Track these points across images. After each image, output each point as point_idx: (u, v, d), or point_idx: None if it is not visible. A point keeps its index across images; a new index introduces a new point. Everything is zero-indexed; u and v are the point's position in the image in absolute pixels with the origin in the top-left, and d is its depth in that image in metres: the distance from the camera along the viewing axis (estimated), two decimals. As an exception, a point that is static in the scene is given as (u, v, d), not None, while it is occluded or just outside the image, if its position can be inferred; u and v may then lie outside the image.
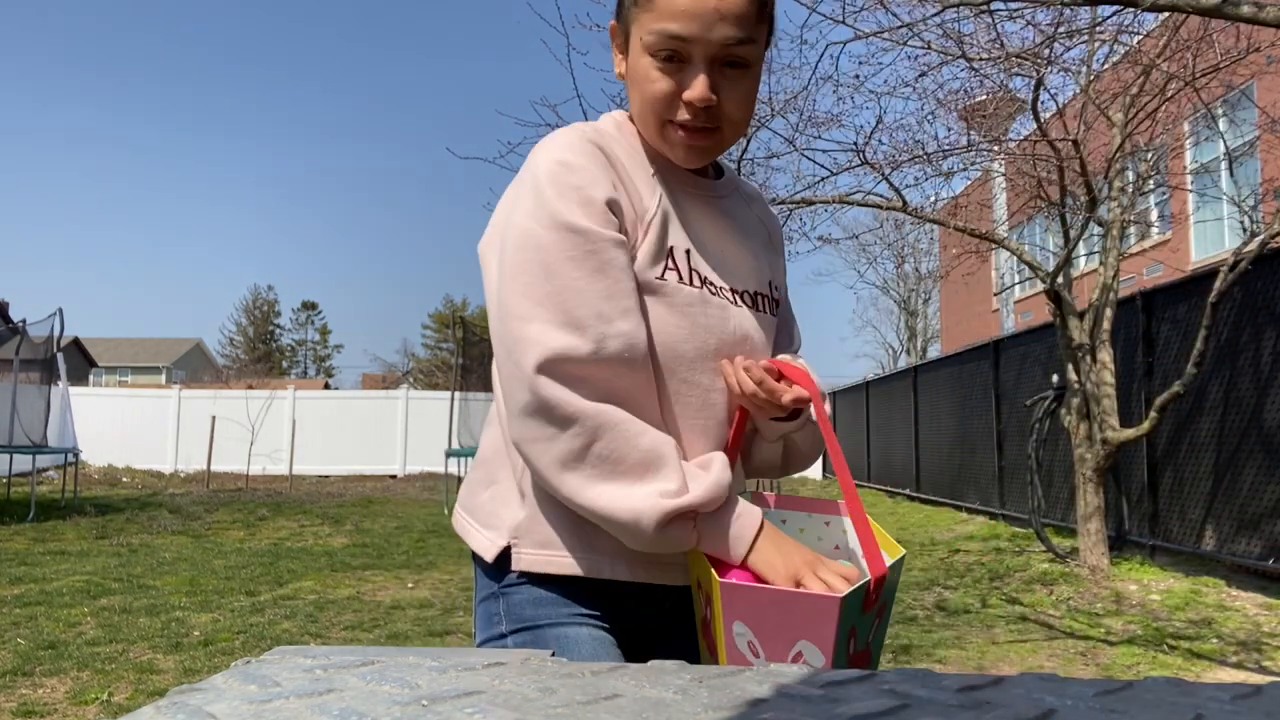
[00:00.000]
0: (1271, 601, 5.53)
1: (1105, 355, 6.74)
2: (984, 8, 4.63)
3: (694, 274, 1.10)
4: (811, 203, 6.91)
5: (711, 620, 1.02)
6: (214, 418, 17.60)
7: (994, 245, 8.30)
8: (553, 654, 0.64)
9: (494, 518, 1.14)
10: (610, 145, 1.11)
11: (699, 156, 1.11)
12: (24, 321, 12.63)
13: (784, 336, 1.28)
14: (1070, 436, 6.97)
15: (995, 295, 20.79)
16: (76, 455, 12.99)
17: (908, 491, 13.99)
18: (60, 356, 13.40)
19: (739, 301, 1.15)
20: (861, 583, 0.98)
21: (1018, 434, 9.84)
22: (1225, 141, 8.58)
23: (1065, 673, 4.31)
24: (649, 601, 1.14)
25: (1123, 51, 6.90)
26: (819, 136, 7.14)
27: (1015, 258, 7.55)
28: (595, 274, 1.01)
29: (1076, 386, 6.81)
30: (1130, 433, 6.46)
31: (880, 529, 1.10)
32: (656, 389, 1.07)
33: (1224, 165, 11.20)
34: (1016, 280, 17.87)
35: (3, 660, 4.39)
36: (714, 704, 0.51)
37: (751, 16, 1.04)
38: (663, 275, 1.08)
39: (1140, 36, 6.67)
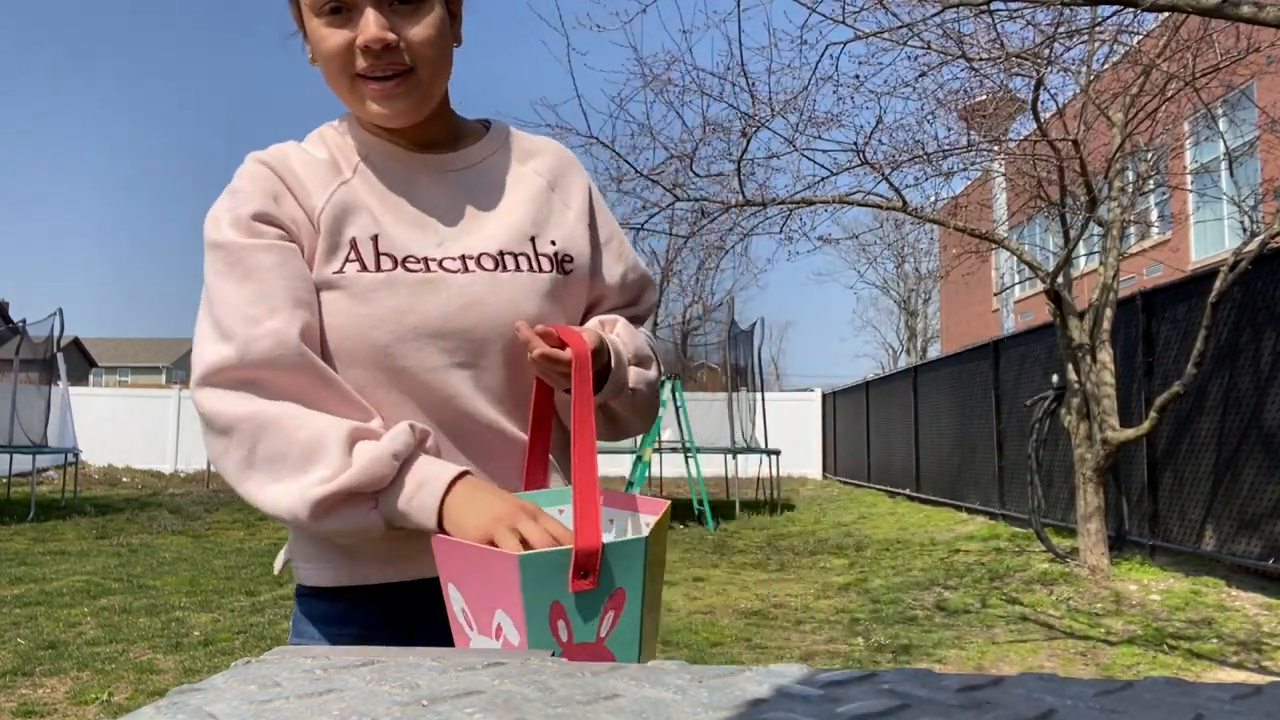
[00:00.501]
0: (1271, 601, 5.53)
1: (1105, 355, 6.74)
2: (984, 8, 4.63)
3: (382, 258, 1.06)
4: (811, 203, 6.91)
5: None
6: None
7: (994, 245, 8.30)
8: (553, 654, 0.64)
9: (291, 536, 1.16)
10: (284, 159, 1.10)
11: (402, 108, 1.06)
12: (24, 321, 12.63)
13: (609, 293, 1.22)
14: (1070, 436, 6.97)
15: (995, 295, 20.79)
16: (76, 455, 12.99)
17: (908, 492, 13.99)
18: (60, 356, 13.40)
19: (470, 268, 1.08)
20: (555, 549, 0.88)
21: (1018, 434, 9.84)
22: (1225, 141, 8.58)
23: (1065, 673, 4.31)
24: (419, 598, 1.09)
25: (1123, 51, 6.90)
26: (819, 136, 7.14)
27: (1015, 258, 7.56)
28: (240, 282, 1.02)
29: (1076, 386, 6.81)
30: (1130, 433, 6.46)
31: (664, 519, 0.99)
32: (365, 379, 1.06)
33: (1224, 165, 11.20)
34: (1016, 280, 17.88)
35: (3, 660, 4.39)
36: (714, 704, 0.51)
37: None
38: (341, 268, 1.06)
39: (1140, 36, 6.67)
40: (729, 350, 14.08)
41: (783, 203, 6.94)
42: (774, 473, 13.59)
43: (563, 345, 1.01)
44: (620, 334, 1.14)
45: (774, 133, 6.80)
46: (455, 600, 0.92)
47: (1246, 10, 3.22)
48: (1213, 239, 13.48)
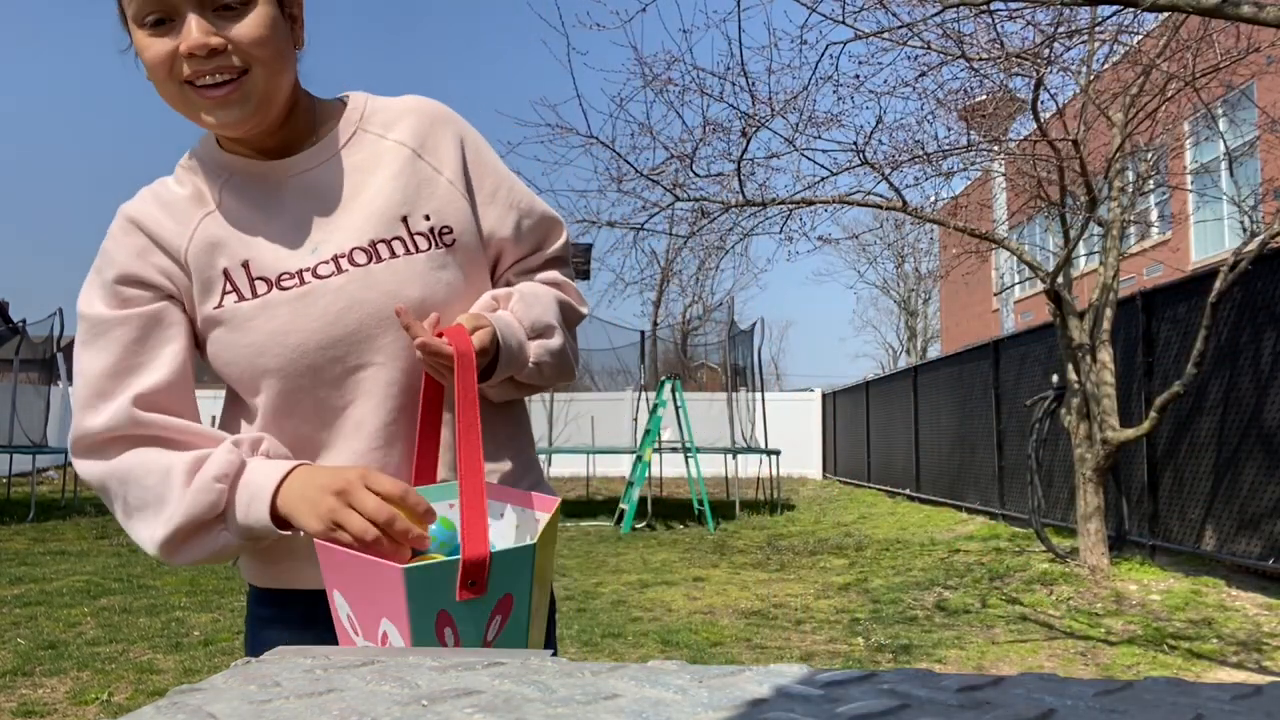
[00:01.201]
0: (1271, 601, 5.53)
1: (1105, 355, 6.74)
2: (984, 8, 4.63)
3: (257, 283, 1.05)
4: (811, 203, 6.91)
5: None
6: (214, 417, 17.56)
7: (994, 245, 8.30)
8: (553, 654, 0.64)
9: None
10: (145, 207, 1.08)
11: (240, 115, 1.01)
12: (24, 321, 12.63)
13: (506, 246, 1.18)
14: (1070, 436, 6.97)
15: (995, 295, 20.79)
16: (76, 455, 12.98)
17: (908, 491, 14.00)
18: (60, 356, 13.40)
19: (343, 268, 1.05)
20: (441, 560, 0.88)
21: (1018, 434, 9.84)
22: (1225, 141, 8.58)
23: (1065, 673, 4.31)
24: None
25: (1123, 51, 6.90)
26: (819, 136, 7.14)
27: (1015, 258, 7.56)
28: (97, 354, 1.04)
29: (1076, 386, 6.81)
30: (1130, 433, 6.46)
31: (554, 518, 1.00)
32: (269, 405, 1.06)
33: (1224, 165, 11.20)
34: (1016, 280, 17.87)
35: (3, 660, 4.39)
36: (714, 704, 0.51)
37: None
38: (220, 303, 1.06)
39: (1140, 36, 6.67)
40: (729, 350, 14.08)
41: (783, 203, 6.94)
42: (774, 473, 13.60)
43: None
44: (515, 308, 1.10)
45: (774, 133, 6.80)
46: (341, 607, 0.92)
47: (1246, 10, 3.22)
48: (1213, 239, 13.48)
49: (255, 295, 1.05)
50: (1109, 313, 6.79)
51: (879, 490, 15.78)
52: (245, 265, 1.05)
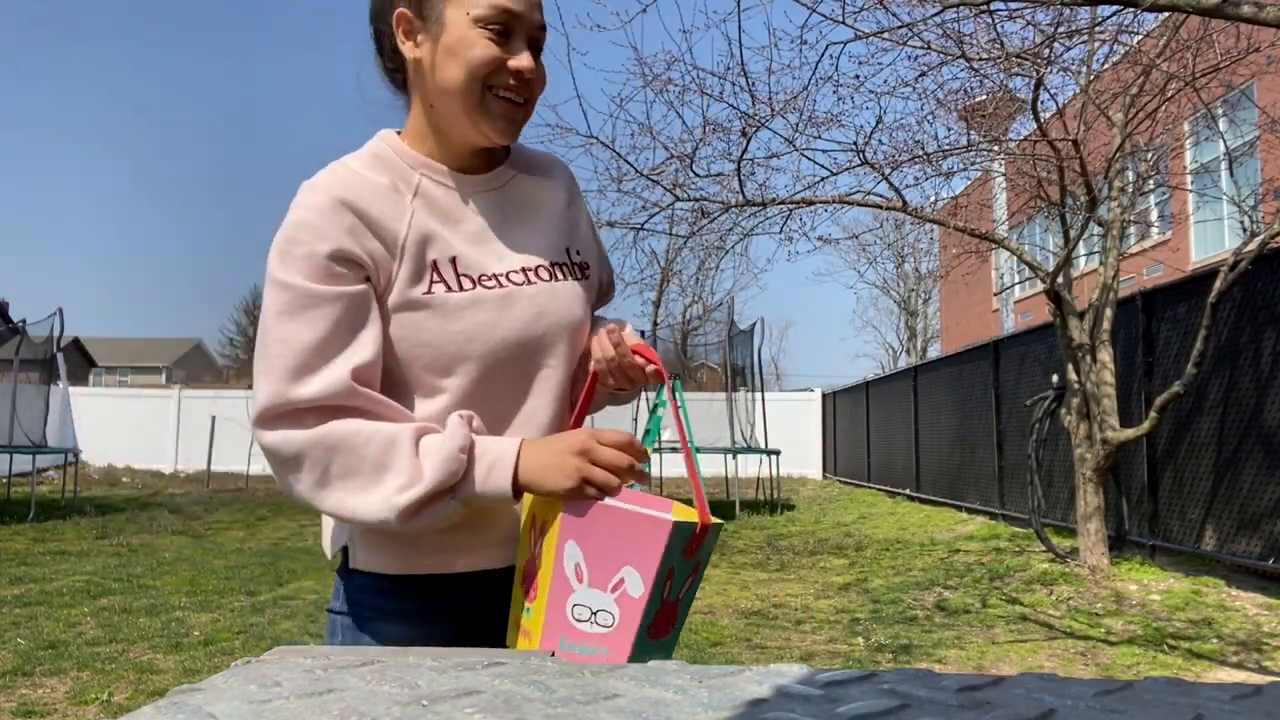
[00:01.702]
0: (1271, 601, 5.52)
1: (1105, 355, 6.74)
2: (984, 8, 4.63)
3: (462, 278, 1.15)
4: (811, 203, 6.91)
5: (540, 546, 1.06)
6: (214, 418, 17.60)
7: (994, 245, 8.30)
8: (553, 654, 0.64)
9: (339, 524, 1.22)
10: (353, 189, 1.13)
11: (513, 129, 1.17)
12: (24, 321, 12.63)
13: (601, 287, 1.40)
14: (1070, 436, 6.97)
15: (995, 295, 20.79)
16: (76, 455, 13.00)
17: (908, 491, 13.99)
18: (60, 356, 13.40)
19: (531, 280, 1.20)
20: (691, 521, 1.05)
21: (1018, 434, 9.84)
22: (1225, 141, 8.58)
23: (1065, 673, 4.30)
24: (470, 591, 1.20)
25: (1123, 51, 6.90)
26: (819, 136, 7.14)
27: (1015, 258, 7.55)
28: (305, 326, 1.08)
29: (1076, 386, 6.81)
30: (1130, 433, 6.46)
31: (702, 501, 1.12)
32: (454, 387, 1.15)
33: (1224, 165, 11.20)
34: (1016, 280, 17.87)
35: (3, 660, 4.39)
36: (714, 704, 0.51)
37: (541, 8, 1.18)
38: (429, 290, 1.14)
39: (1140, 36, 6.66)
40: (729, 350, 14.08)
41: (783, 203, 6.94)
42: (774, 473, 13.59)
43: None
44: (628, 334, 1.26)
45: (774, 133, 6.80)
46: (570, 556, 1.02)
47: (1246, 10, 3.22)
48: (1213, 239, 13.48)
49: (462, 289, 1.15)
50: (1109, 313, 6.79)
51: (879, 490, 15.77)
52: (452, 260, 1.16)
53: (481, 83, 1.13)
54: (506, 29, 1.13)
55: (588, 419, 1.26)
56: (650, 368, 1.19)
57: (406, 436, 1.06)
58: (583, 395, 1.22)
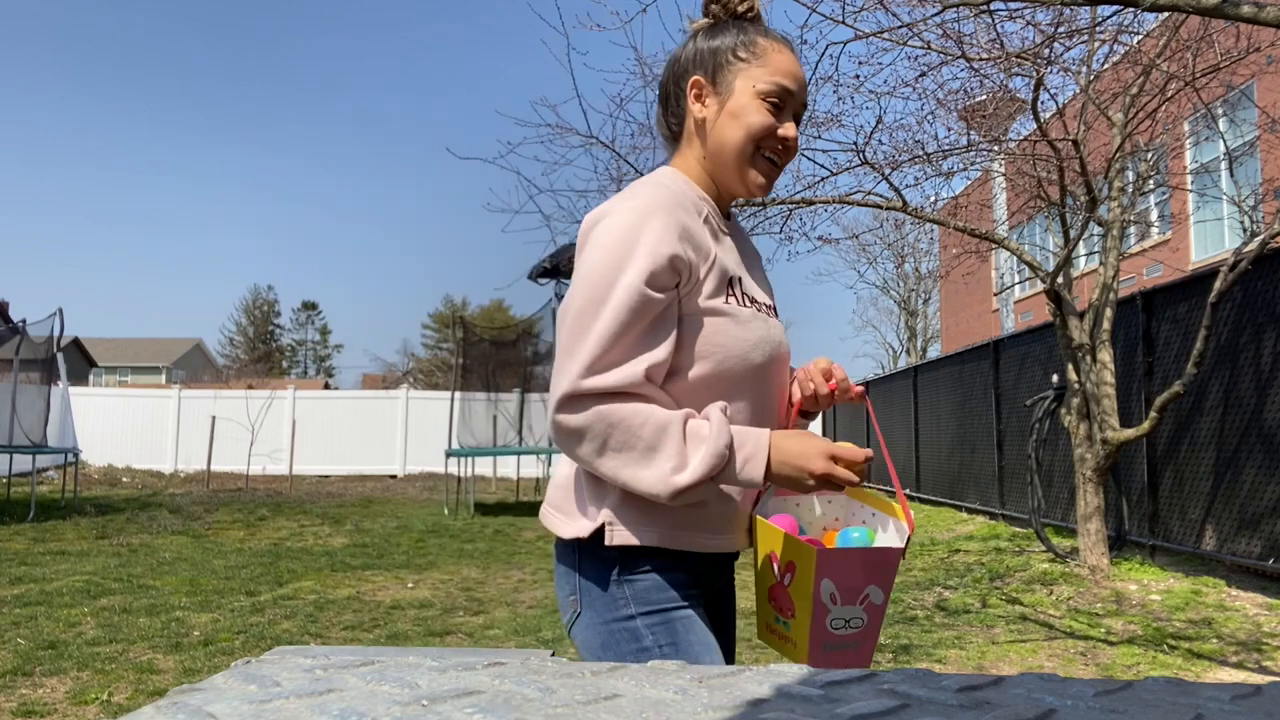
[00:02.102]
0: (1272, 601, 5.52)
1: (1105, 355, 6.74)
2: (984, 8, 4.63)
3: (745, 297, 1.38)
4: (811, 203, 6.91)
5: (793, 582, 1.32)
6: (214, 418, 17.60)
7: (994, 245, 8.30)
8: (553, 654, 0.64)
9: (584, 506, 1.36)
10: (681, 202, 1.34)
11: (769, 185, 1.41)
12: (24, 321, 12.63)
13: None
14: (1070, 436, 6.97)
15: (995, 295, 20.78)
16: (76, 455, 12.99)
17: (908, 491, 13.99)
18: (60, 356, 13.39)
19: (770, 315, 1.44)
20: (908, 537, 1.37)
21: (1018, 434, 9.84)
22: (1225, 141, 8.57)
23: (1065, 673, 4.30)
24: (720, 568, 1.45)
25: (1123, 51, 6.90)
26: (819, 136, 7.13)
27: (1015, 258, 7.55)
28: (623, 322, 1.24)
29: (1076, 386, 6.80)
30: (1130, 433, 6.46)
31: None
32: (724, 384, 1.34)
33: (1224, 165, 11.20)
34: (1016, 280, 17.86)
35: (3, 660, 4.39)
36: (714, 704, 0.51)
37: None
38: (727, 300, 1.34)
39: (1140, 36, 6.66)
40: (729, 350, 14.07)
41: (783, 203, 6.94)
42: (774, 473, 13.57)
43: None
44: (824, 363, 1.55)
45: (774, 133, 6.79)
46: (825, 589, 1.28)
47: (1246, 10, 3.22)
48: (1213, 239, 13.47)
49: (746, 306, 1.37)
50: (1109, 313, 6.79)
51: (879, 490, 15.76)
52: (740, 280, 1.39)
53: (755, 144, 1.37)
54: (781, 103, 1.37)
55: None
56: (857, 389, 1.46)
57: (677, 423, 1.24)
58: (793, 414, 1.48)
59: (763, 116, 1.36)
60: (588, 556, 1.34)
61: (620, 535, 1.31)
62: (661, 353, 1.27)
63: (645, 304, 1.24)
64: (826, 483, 1.27)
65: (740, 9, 1.42)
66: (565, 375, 1.23)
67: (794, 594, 1.31)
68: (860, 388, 1.49)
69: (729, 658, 1.49)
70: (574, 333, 1.25)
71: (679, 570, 1.33)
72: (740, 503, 1.39)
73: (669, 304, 1.28)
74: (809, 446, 1.27)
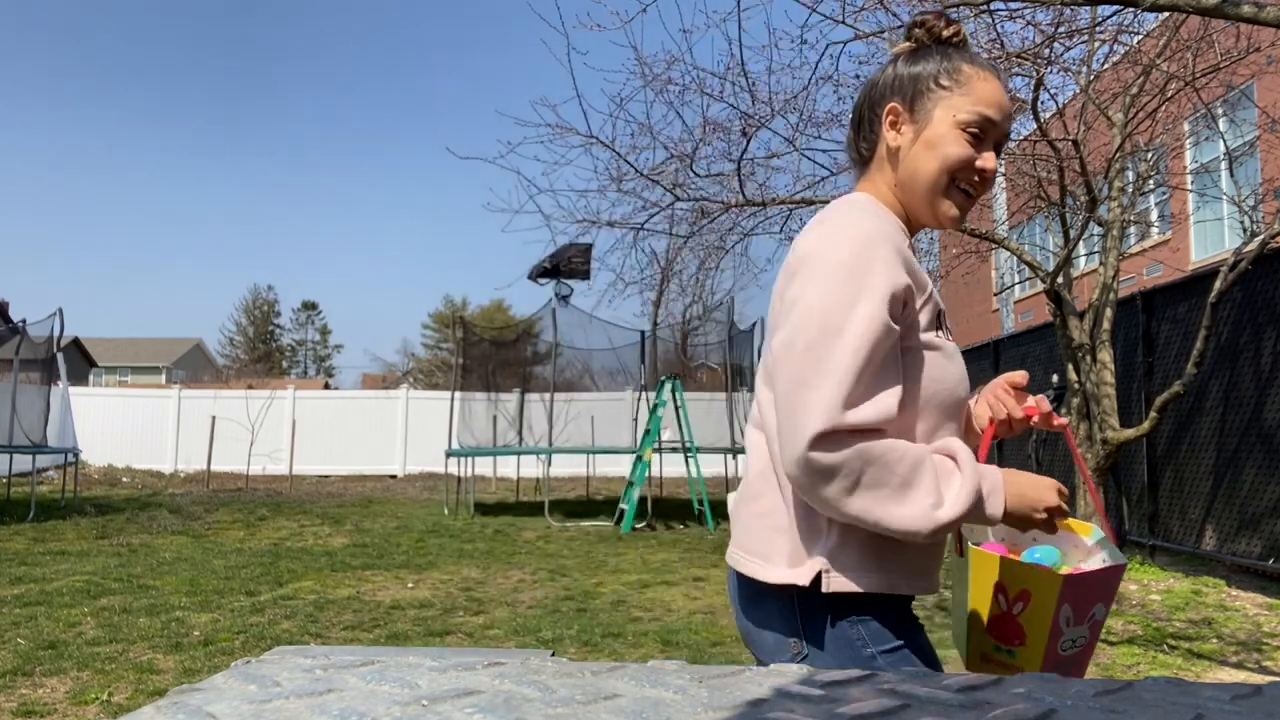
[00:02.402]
0: (1272, 601, 5.52)
1: (1105, 355, 6.74)
2: (984, 8, 4.63)
3: (947, 330, 1.36)
4: (811, 203, 6.90)
5: (1025, 610, 1.33)
6: (214, 418, 17.60)
7: (994, 245, 8.30)
8: (553, 654, 0.64)
9: (796, 550, 1.32)
10: (898, 232, 1.32)
11: (962, 218, 1.37)
12: (24, 321, 12.63)
13: None
14: (1070, 436, 6.97)
15: (995, 295, 20.78)
16: (76, 455, 12.99)
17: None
18: (60, 356, 13.40)
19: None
20: (1118, 565, 1.41)
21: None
22: (1225, 141, 8.57)
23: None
24: (907, 606, 1.41)
25: (1123, 51, 6.90)
26: (819, 136, 7.14)
27: (1015, 258, 7.55)
28: (866, 359, 1.20)
29: (1076, 386, 6.80)
30: (1130, 433, 6.46)
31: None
32: (934, 417, 1.31)
33: (1224, 165, 11.20)
34: (1016, 280, 17.87)
35: (3, 660, 4.39)
36: (714, 704, 0.51)
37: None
38: (938, 333, 1.32)
39: (1140, 36, 6.66)
40: (729, 350, 14.08)
41: (783, 203, 6.94)
42: (774, 473, 13.56)
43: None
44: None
45: (774, 133, 6.79)
46: (1063, 614, 1.30)
47: (1246, 10, 3.22)
48: (1213, 239, 13.48)
49: (951, 340, 1.36)
50: (1109, 313, 6.79)
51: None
52: (944, 314, 1.36)
53: (950, 175, 1.33)
54: (982, 133, 1.33)
55: None
56: (1060, 420, 1.48)
57: (930, 460, 1.22)
58: (985, 441, 1.47)
59: (960, 147, 1.32)
60: (806, 601, 1.31)
61: (838, 582, 1.28)
62: (899, 382, 1.25)
63: (885, 335, 1.21)
64: (1054, 517, 1.28)
65: (945, 34, 1.39)
66: (815, 410, 1.17)
67: (1026, 622, 1.33)
68: (1064, 420, 1.47)
69: None
70: (810, 365, 1.19)
71: (893, 610, 1.34)
72: (940, 543, 1.38)
73: (897, 331, 1.25)
74: (1040, 482, 1.29)
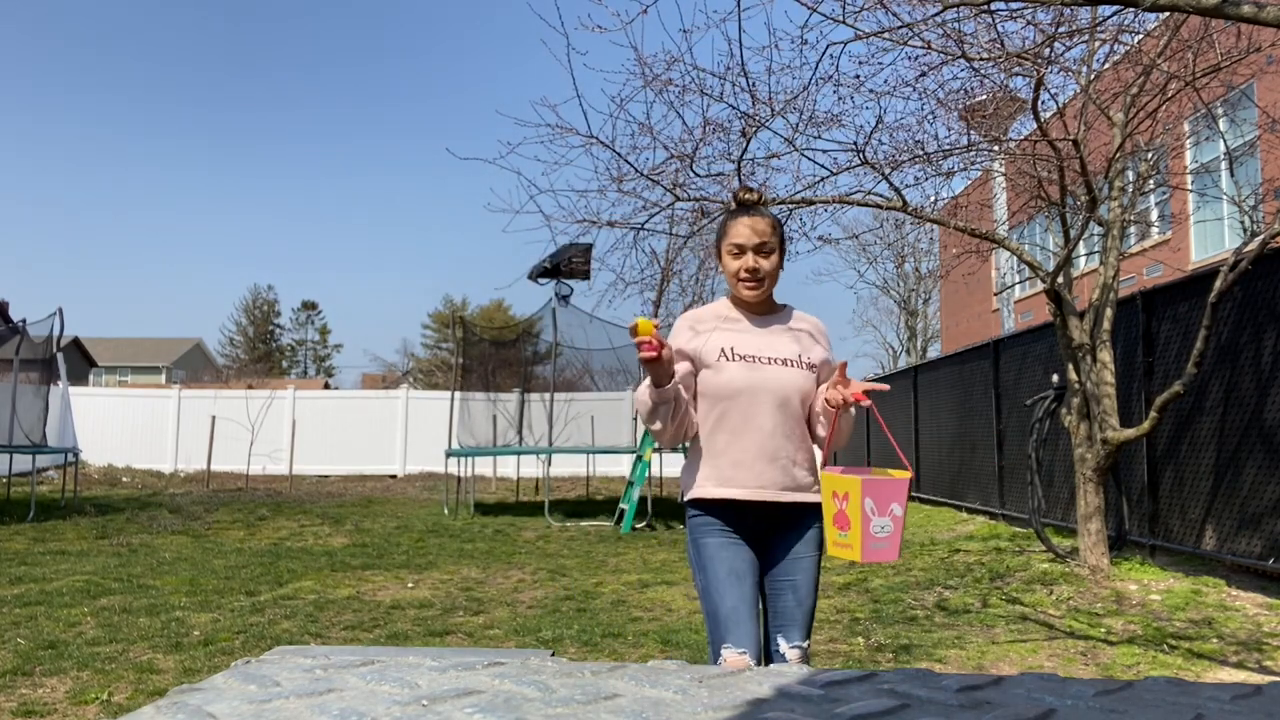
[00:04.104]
0: (1272, 601, 5.52)
1: (1105, 355, 6.74)
2: (984, 7, 4.63)
3: (735, 355, 2.42)
4: (811, 203, 6.90)
5: (847, 508, 2.10)
6: (214, 418, 17.60)
7: (994, 245, 8.30)
8: (553, 654, 0.64)
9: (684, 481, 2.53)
10: (698, 317, 2.52)
11: (754, 295, 2.46)
12: (24, 321, 12.63)
13: (826, 372, 2.53)
14: (1070, 436, 6.97)
15: (995, 295, 20.77)
16: (76, 455, 12.99)
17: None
18: (60, 356, 13.40)
19: (772, 363, 2.43)
20: (909, 476, 2.17)
21: (1018, 434, 9.83)
22: (1225, 141, 8.57)
23: (1065, 673, 4.30)
24: (761, 518, 2.43)
25: (1123, 51, 6.90)
26: (819, 136, 7.12)
27: (1015, 257, 7.55)
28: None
29: (1076, 386, 6.80)
30: (1130, 432, 6.45)
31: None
32: (726, 413, 2.43)
33: (1224, 165, 11.20)
34: (1016, 280, 17.86)
35: (3, 660, 4.39)
36: (714, 704, 0.51)
37: (769, 233, 2.45)
38: (718, 359, 2.42)
39: (1140, 36, 6.66)
40: (729, 350, 14.05)
41: (783, 202, 6.93)
42: (774, 473, 13.56)
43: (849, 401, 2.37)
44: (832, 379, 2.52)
45: (774, 133, 6.79)
46: (868, 505, 2.07)
47: (1246, 10, 3.22)
48: (1213, 239, 13.47)
49: (734, 360, 2.42)
50: (1109, 312, 6.78)
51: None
52: (732, 348, 2.43)
53: (734, 278, 2.47)
54: (739, 250, 2.45)
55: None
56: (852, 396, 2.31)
57: (641, 390, 2.46)
58: (830, 426, 2.37)
59: (731, 262, 2.47)
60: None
61: (690, 494, 2.46)
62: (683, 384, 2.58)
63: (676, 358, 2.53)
64: (641, 348, 2.26)
65: (742, 198, 2.51)
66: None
67: (849, 514, 2.09)
68: (866, 400, 2.31)
69: (777, 577, 2.43)
70: None
71: (712, 509, 2.41)
72: (738, 464, 2.40)
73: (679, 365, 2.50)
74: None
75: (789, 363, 2.41)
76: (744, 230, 2.41)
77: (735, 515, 2.37)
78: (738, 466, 2.37)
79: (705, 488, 2.38)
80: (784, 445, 2.38)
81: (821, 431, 2.42)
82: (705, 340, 2.41)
